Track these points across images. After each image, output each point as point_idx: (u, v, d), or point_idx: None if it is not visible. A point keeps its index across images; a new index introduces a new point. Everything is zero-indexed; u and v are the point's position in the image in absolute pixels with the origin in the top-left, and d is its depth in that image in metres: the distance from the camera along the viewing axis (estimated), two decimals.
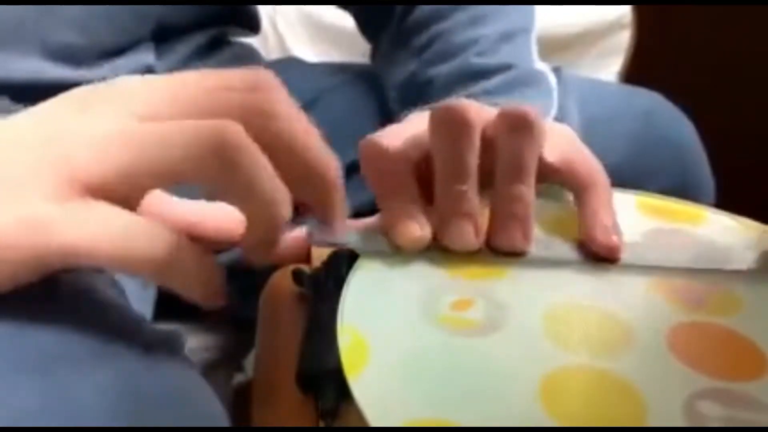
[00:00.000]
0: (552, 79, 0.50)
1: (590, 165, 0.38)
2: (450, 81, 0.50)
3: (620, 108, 0.61)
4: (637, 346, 0.31)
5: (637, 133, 0.59)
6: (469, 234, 0.35)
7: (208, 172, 0.27)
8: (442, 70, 0.50)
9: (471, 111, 0.34)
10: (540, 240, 0.36)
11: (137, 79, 0.31)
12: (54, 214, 0.26)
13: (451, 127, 0.35)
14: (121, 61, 0.52)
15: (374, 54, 0.62)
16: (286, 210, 0.28)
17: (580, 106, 0.54)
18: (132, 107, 0.29)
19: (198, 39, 0.62)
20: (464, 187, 0.34)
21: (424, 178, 0.36)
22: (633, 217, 0.40)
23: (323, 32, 1.15)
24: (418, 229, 0.35)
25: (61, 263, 0.27)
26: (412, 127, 0.37)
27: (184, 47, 0.60)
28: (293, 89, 0.65)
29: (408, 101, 0.50)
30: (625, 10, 1.17)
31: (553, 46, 1.13)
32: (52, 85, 0.32)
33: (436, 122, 0.35)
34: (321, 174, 0.30)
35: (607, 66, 1.17)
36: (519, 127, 0.35)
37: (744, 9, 1.05)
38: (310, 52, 1.13)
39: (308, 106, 0.66)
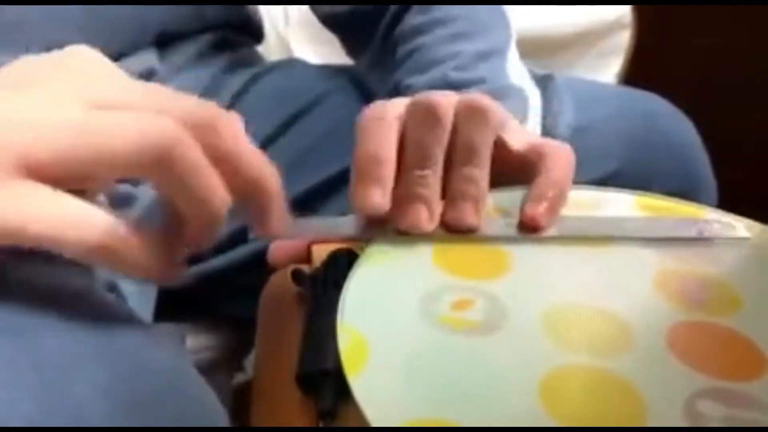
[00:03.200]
0: (532, 92, 0.51)
1: (555, 143, 0.39)
2: (427, 89, 0.50)
3: (621, 110, 0.61)
4: (637, 345, 0.31)
5: (639, 136, 0.59)
6: (422, 216, 0.36)
7: (149, 168, 0.28)
8: (420, 79, 0.51)
9: (444, 106, 0.36)
10: (497, 220, 0.38)
11: (95, 62, 0.31)
12: None
13: (424, 119, 0.36)
14: (124, 64, 0.53)
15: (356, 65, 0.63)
16: (220, 209, 0.30)
17: (578, 110, 0.54)
18: (83, 91, 0.29)
19: (200, 43, 0.62)
20: (425, 173, 0.36)
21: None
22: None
23: (325, 34, 1.15)
24: (379, 194, 0.35)
25: None
26: (398, 101, 0.38)
27: (186, 50, 0.61)
28: (295, 90, 0.65)
29: None
30: (625, 10, 1.16)
31: (553, 46, 1.13)
32: None
33: (411, 112, 0.36)
34: (264, 187, 0.32)
35: (607, 66, 1.17)
36: (473, 113, 0.36)
37: (744, 9, 1.05)
38: (311, 54, 1.13)
39: (309, 107, 0.66)
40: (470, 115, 0.36)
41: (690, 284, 0.35)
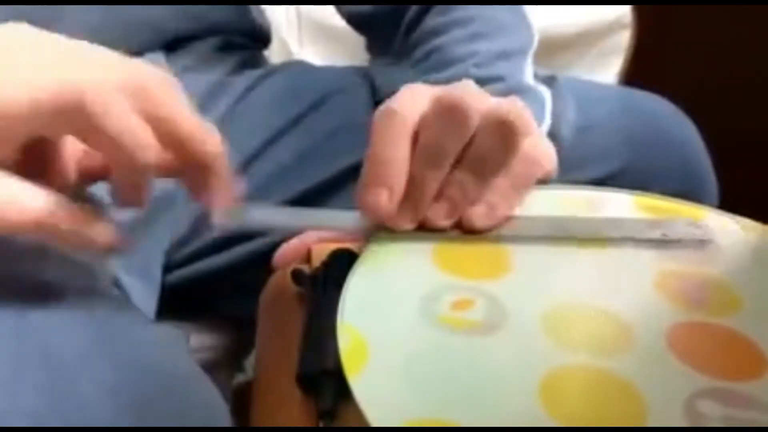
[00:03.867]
0: (545, 94, 0.51)
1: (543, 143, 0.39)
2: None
3: (623, 111, 0.61)
4: (638, 345, 0.31)
5: (640, 136, 0.59)
6: (440, 215, 0.36)
7: (65, 113, 0.29)
8: (440, 76, 0.51)
9: (471, 110, 0.35)
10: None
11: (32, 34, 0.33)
12: None
13: (450, 122, 0.35)
14: None
15: (373, 64, 0.63)
16: (146, 155, 0.31)
17: (580, 111, 0.54)
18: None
19: (207, 45, 0.62)
20: (436, 174, 0.35)
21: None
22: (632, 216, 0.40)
23: (328, 35, 1.15)
24: (385, 197, 0.35)
25: None
26: (417, 95, 0.37)
27: (193, 52, 0.61)
28: (299, 91, 0.65)
29: None
30: (625, 10, 1.16)
31: (553, 46, 1.13)
32: None
33: (438, 110, 0.35)
34: (201, 142, 0.33)
35: (607, 66, 1.17)
36: (501, 133, 0.35)
37: (744, 9, 1.05)
38: (315, 55, 1.13)
39: (315, 106, 0.66)
40: (496, 132, 0.35)
41: (690, 284, 0.35)
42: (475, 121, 0.35)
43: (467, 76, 0.50)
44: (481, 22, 0.53)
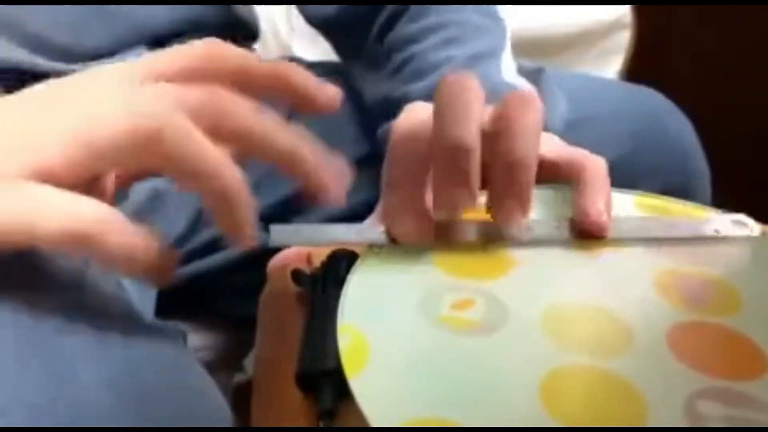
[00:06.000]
0: (527, 88, 0.51)
1: (586, 152, 0.39)
2: (424, 96, 0.50)
3: (619, 106, 0.60)
4: (638, 345, 0.31)
5: (635, 132, 0.59)
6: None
7: (142, 151, 0.29)
8: (417, 86, 0.51)
9: (470, 79, 0.35)
10: (528, 224, 0.37)
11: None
12: None
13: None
14: (115, 60, 0.53)
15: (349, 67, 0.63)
16: (234, 181, 0.30)
17: (575, 104, 0.54)
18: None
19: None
20: (463, 145, 0.33)
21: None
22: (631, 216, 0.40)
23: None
24: (416, 223, 0.35)
25: None
26: (420, 112, 0.37)
27: None
28: None
29: (383, 118, 0.51)
30: (625, 10, 1.17)
31: (553, 46, 1.13)
32: (45, 75, 0.33)
33: (439, 89, 0.35)
34: (295, 160, 0.32)
35: (608, 66, 1.17)
36: (522, 102, 0.35)
37: (744, 9, 1.05)
38: (310, 53, 1.13)
39: None
40: (520, 103, 0.35)
41: (690, 284, 0.35)
42: (477, 89, 0.35)
43: None
44: (455, 27, 0.53)
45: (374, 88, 0.56)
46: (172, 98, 0.29)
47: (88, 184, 0.31)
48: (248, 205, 0.30)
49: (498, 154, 0.34)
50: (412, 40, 0.54)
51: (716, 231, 0.38)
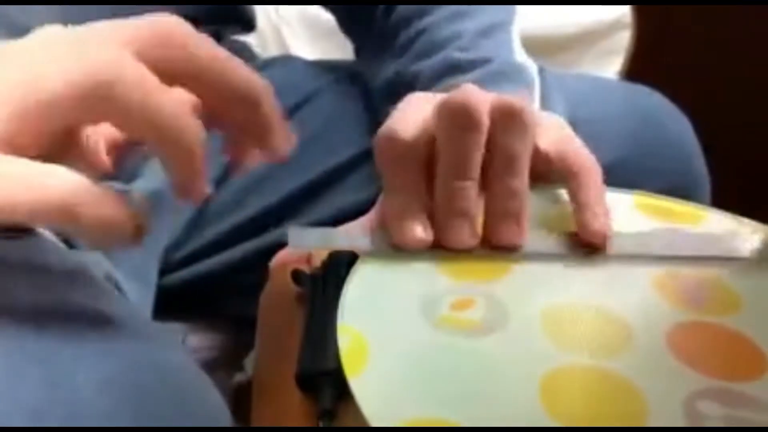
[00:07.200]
0: (533, 70, 0.50)
1: (582, 153, 0.38)
2: (434, 75, 0.50)
3: (619, 106, 0.60)
4: (637, 345, 0.31)
5: (635, 132, 0.59)
6: (465, 233, 0.35)
7: (95, 105, 0.27)
8: (426, 65, 0.50)
9: (479, 106, 0.34)
10: (530, 235, 0.36)
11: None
12: None
13: (460, 123, 0.34)
14: None
15: (357, 53, 0.62)
16: (190, 132, 0.28)
17: (571, 106, 0.54)
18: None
19: None
20: (466, 184, 0.35)
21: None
22: (632, 216, 0.40)
23: (322, 30, 1.14)
24: (420, 229, 0.35)
25: None
26: (418, 110, 0.37)
27: None
28: (289, 86, 0.65)
29: (394, 98, 0.50)
30: (625, 10, 1.16)
31: (553, 46, 1.13)
32: None
33: (443, 115, 0.35)
34: (249, 88, 0.30)
35: (608, 66, 1.17)
36: (512, 120, 0.35)
37: (744, 9, 1.05)
38: (308, 51, 1.12)
39: (303, 103, 0.65)
40: (509, 121, 0.35)
41: (690, 284, 0.35)
42: (483, 112, 0.34)
43: (453, 62, 0.49)
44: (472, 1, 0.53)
45: (383, 66, 0.55)
46: (120, 41, 0.29)
47: (62, 147, 0.30)
48: (203, 157, 0.29)
49: (491, 181, 0.35)
50: (420, 14, 0.53)
51: (719, 249, 0.37)
